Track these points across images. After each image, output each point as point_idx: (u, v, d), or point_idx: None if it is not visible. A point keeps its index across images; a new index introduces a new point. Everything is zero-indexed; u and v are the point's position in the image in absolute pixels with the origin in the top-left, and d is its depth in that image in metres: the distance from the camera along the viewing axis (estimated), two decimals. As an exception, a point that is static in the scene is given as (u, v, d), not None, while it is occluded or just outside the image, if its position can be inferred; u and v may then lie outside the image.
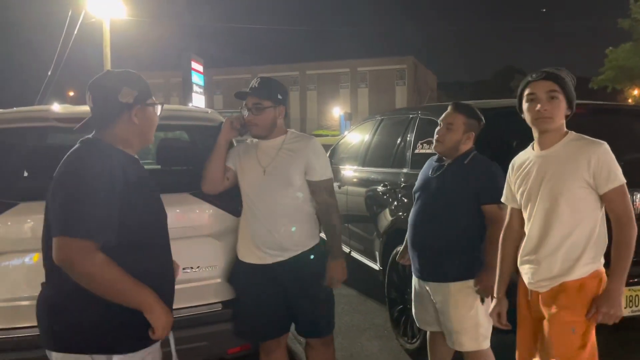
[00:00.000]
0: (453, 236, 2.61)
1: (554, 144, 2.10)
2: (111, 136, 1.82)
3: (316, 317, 2.69)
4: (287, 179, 2.58)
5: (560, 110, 2.09)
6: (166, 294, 1.84)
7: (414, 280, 2.86)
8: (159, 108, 1.94)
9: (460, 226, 2.61)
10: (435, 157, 2.81)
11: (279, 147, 2.62)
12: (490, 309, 2.37)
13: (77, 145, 1.78)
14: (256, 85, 2.59)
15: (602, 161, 2.00)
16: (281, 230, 2.56)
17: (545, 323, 2.09)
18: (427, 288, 2.74)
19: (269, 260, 2.58)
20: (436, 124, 2.75)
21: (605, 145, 2.04)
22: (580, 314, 2.02)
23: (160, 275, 1.84)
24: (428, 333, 2.96)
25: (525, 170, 2.17)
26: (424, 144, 3.83)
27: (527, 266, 2.16)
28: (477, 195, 2.58)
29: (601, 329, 2.09)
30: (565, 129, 2.13)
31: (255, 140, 2.71)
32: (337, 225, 2.66)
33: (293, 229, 2.59)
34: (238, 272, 2.71)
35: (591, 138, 2.08)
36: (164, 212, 1.93)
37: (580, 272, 2.04)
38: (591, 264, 2.04)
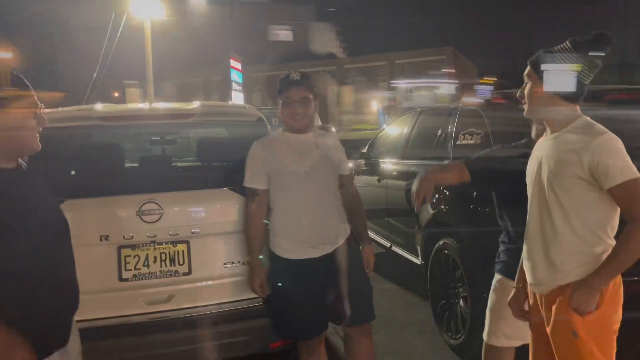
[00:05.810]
0: None
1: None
2: None
3: (365, 301, 2.73)
4: (333, 170, 2.67)
5: None
6: (70, 301, 1.71)
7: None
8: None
9: None
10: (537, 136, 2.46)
11: (314, 140, 2.65)
12: None
13: None
14: (298, 78, 2.60)
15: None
16: (333, 222, 2.63)
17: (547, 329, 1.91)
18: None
19: (318, 254, 2.57)
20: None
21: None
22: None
23: (61, 290, 1.66)
24: (486, 346, 2.52)
25: None
26: (466, 135, 3.73)
27: None
28: None
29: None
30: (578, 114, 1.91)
31: (273, 135, 2.71)
32: (365, 212, 2.93)
33: (340, 219, 2.68)
34: (281, 270, 2.61)
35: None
36: (60, 223, 1.71)
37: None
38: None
